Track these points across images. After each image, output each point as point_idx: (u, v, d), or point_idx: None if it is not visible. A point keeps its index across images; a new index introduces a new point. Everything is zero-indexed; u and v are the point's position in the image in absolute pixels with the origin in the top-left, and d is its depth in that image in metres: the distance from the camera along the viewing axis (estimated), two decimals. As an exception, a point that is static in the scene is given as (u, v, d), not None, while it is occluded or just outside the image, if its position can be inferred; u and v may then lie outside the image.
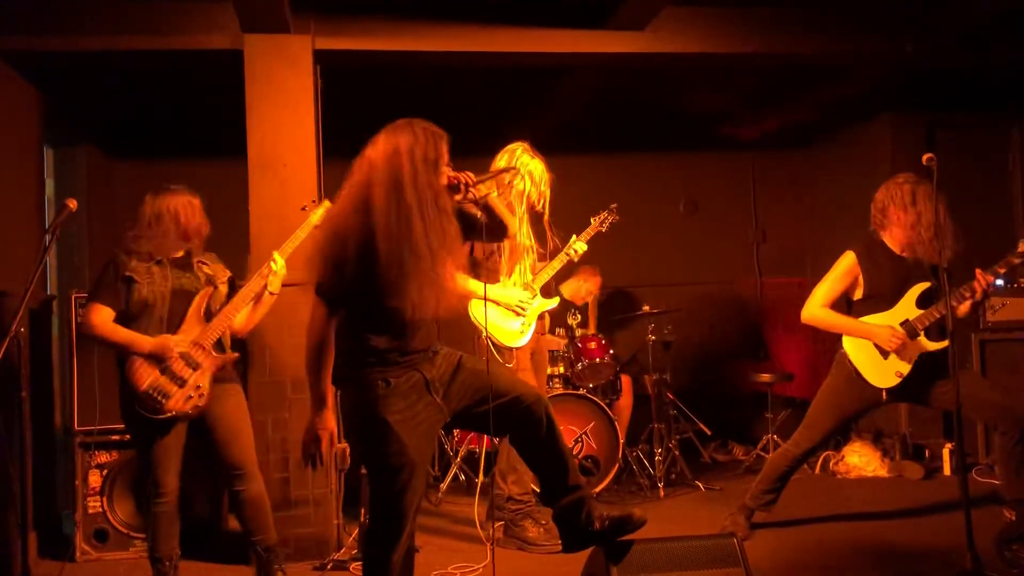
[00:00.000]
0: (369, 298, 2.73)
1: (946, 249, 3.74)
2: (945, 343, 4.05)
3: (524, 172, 4.35)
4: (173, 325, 3.64)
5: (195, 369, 3.59)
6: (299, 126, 4.58)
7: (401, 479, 2.77)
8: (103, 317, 3.60)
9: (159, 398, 3.53)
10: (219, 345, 3.72)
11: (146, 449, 3.62)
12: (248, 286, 3.76)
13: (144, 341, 3.56)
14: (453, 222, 2.78)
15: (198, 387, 3.58)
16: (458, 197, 2.85)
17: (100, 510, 4.47)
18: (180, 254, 3.75)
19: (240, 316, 3.80)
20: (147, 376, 3.54)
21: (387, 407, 2.74)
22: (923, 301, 4.16)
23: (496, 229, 3.05)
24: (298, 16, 4.52)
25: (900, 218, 4.16)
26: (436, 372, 2.87)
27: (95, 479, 4.48)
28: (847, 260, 4.28)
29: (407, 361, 2.80)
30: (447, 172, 2.81)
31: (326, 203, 3.92)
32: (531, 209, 4.42)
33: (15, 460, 4.31)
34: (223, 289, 3.82)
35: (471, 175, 2.86)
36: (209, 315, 3.70)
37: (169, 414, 3.54)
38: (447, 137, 2.83)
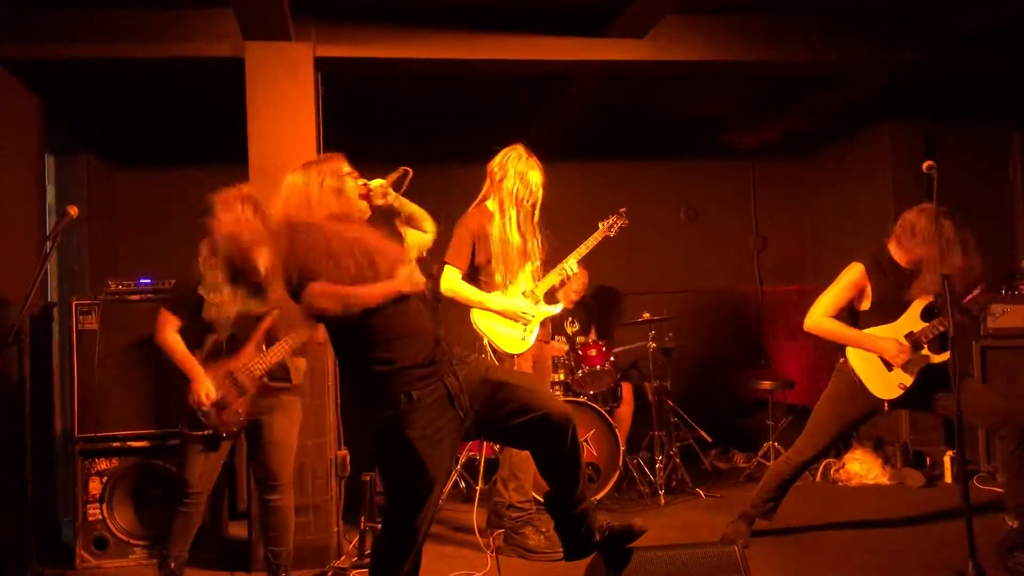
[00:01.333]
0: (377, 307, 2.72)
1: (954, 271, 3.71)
2: (946, 355, 4.05)
3: (514, 172, 4.34)
4: (232, 348, 3.71)
5: (241, 395, 3.66)
6: (300, 133, 4.59)
7: (418, 496, 2.74)
8: (168, 325, 3.75)
9: (200, 417, 3.64)
10: (284, 370, 3.78)
11: (184, 449, 3.72)
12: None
13: (190, 369, 3.67)
14: (363, 224, 2.84)
15: (237, 413, 3.67)
16: (378, 202, 2.92)
17: (100, 517, 4.45)
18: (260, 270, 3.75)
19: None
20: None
21: (409, 423, 2.69)
22: (927, 314, 4.17)
23: (414, 222, 3.09)
24: (299, 24, 4.53)
25: (910, 248, 4.18)
26: (460, 384, 2.82)
27: (95, 486, 4.47)
28: (855, 272, 4.27)
29: (428, 372, 2.76)
30: (357, 185, 2.89)
31: None
32: (523, 211, 4.41)
33: (15, 467, 4.31)
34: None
35: (374, 183, 2.93)
36: (272, 340, 3.74)
37: (206, 432, 3.65)
38: (342, 156, 2.92)
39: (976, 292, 4.14)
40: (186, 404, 3.66)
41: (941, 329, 4.08)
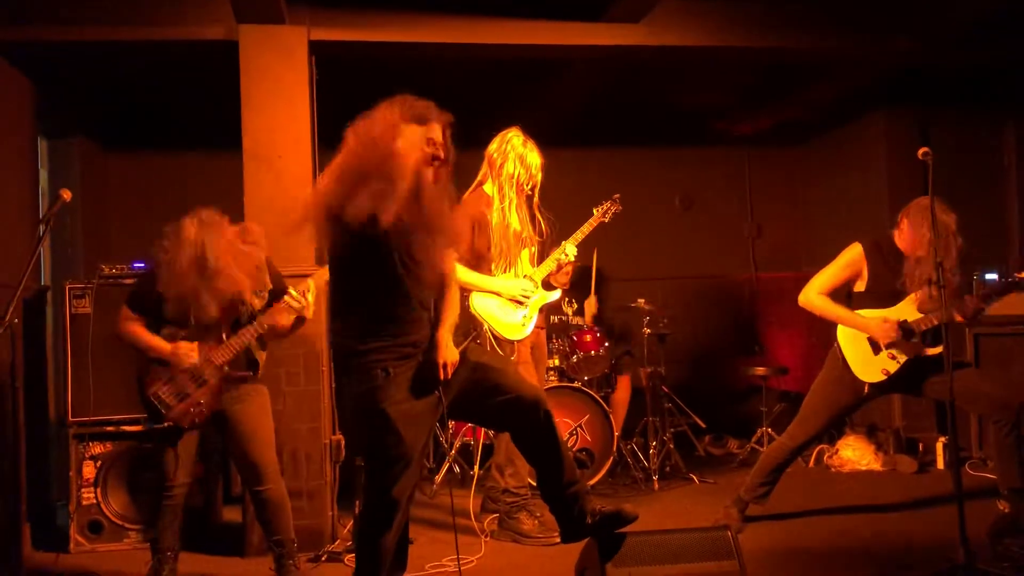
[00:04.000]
0: (367, 282, 2.74)
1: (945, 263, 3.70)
2: (939, 349, 4.06)
3: (514, 155, 4.34)
4: (194, 340, 3.63)
5: (200, 386, 3.60)
6: (294, 117, 4.57)
7: (396, 470, 2.80)
8: (130, 319, 3.68)
9: (160, 408, 3.57)
10: (250, 360, 3.73)
11: (159, 445, 3.67)
12: (269, 314, 3.69)
13: (161, 346, 3.60)
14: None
15: (199, 403, 3.60)
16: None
17: (94, 501, 4.45)
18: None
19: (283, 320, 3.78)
20: (154, 383, 3.59)
21: (385, 397, 2.77)
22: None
23: None
24: (293, 7, 4.51)
25: (910, 236, 4.18)
26: None
27: (89, 470, 4.47)
28: (853, 252, 4.29)
29: (407, 350, 2.82)
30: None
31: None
32: (525, 196, 4.41)
33: (9, 451, 4.31)
34: (255, 303, 3.73)
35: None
36: (237, 327, 3.67)
37: (167, 424, 3.59)
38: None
39: (975, 304, 4.14)
40: (144, 398, 3.59)
41: (935, 323, 4.08)
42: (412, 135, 2.75)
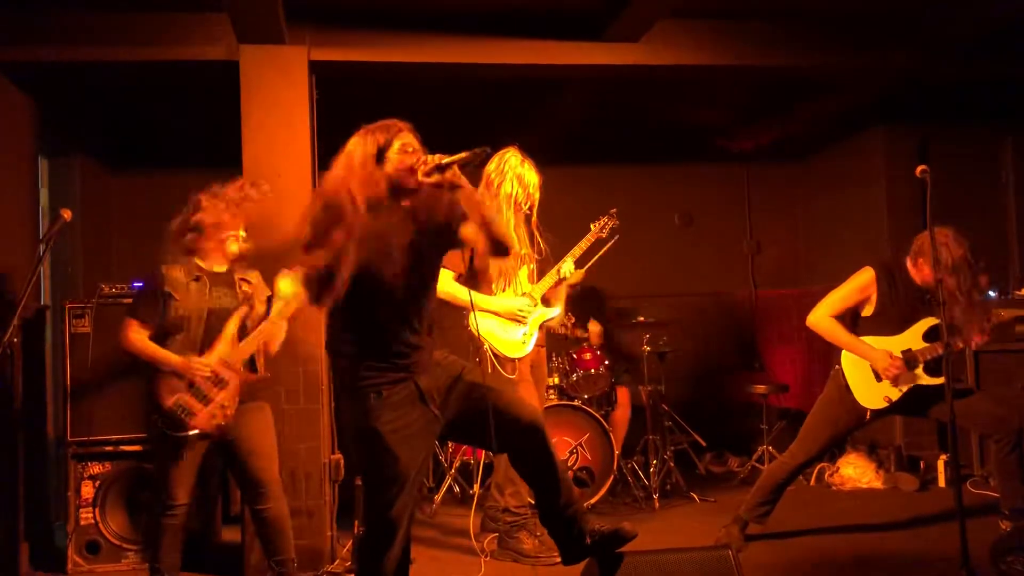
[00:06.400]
0: (351, 300, 2.74)
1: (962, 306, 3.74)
2: (940, 380, 4.05)
3: (512, 175, 4.35)
4: (206, 344, 3.65)
5: (221, 388, 3.61)
6: (294, 136, 4.58)
7: (392, 490, 2.79)
8: (136, 332, 3.66)
9: (183, 416, 3.56)
10: (252, 364, 3.74)
11: (165, 463, 3.65)
12: (274, 311, 3.71)
13: (170, 358, 3.59)
14: (397, 209, 2.80)
15: (223, 406, 3.61)
16: (429, 179, 2.83)
17: (92, 521, 4.43)
18: (223, 269, 3.77)
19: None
20: (175, 392, 3.57)
21: (378, 418, 2.76)
22: (930, 335, 4.18)
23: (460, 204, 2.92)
24: (294, 27, 4.53)
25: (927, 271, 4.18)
26: (432, 382, 2.88)
27: (87, 490, 4.45)
28: (865, 276, 4.28)
29: (400, 372, 2.81)
30: (408, 158, 2.83)
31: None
32: (521, 214, 4.42)
33: (8, 471, 4.30)
34: (260, 309, 3.78)
35: (436, 157, 2.86)
36: (243, 334, 3.70)
37: (192, 432, 3.57)
38: (403, 127, 2.90)
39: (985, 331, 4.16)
40: (161, 408, 3.55)
41: (940, 353, 4.08)
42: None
